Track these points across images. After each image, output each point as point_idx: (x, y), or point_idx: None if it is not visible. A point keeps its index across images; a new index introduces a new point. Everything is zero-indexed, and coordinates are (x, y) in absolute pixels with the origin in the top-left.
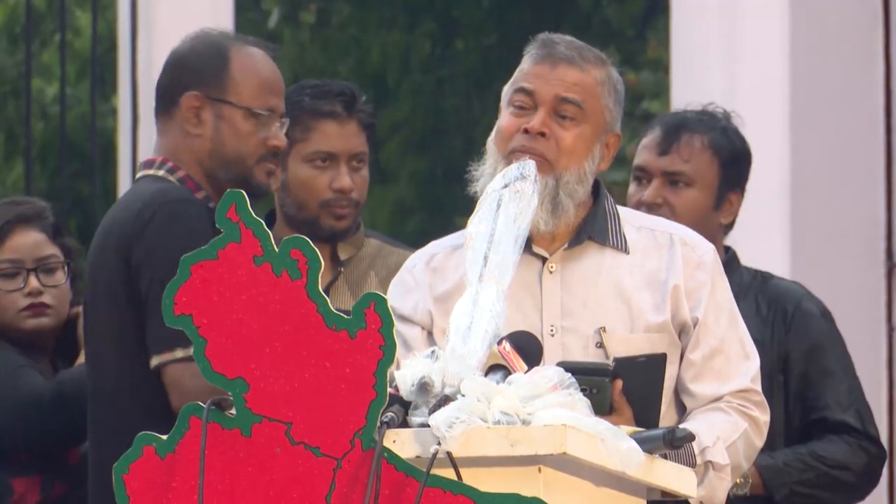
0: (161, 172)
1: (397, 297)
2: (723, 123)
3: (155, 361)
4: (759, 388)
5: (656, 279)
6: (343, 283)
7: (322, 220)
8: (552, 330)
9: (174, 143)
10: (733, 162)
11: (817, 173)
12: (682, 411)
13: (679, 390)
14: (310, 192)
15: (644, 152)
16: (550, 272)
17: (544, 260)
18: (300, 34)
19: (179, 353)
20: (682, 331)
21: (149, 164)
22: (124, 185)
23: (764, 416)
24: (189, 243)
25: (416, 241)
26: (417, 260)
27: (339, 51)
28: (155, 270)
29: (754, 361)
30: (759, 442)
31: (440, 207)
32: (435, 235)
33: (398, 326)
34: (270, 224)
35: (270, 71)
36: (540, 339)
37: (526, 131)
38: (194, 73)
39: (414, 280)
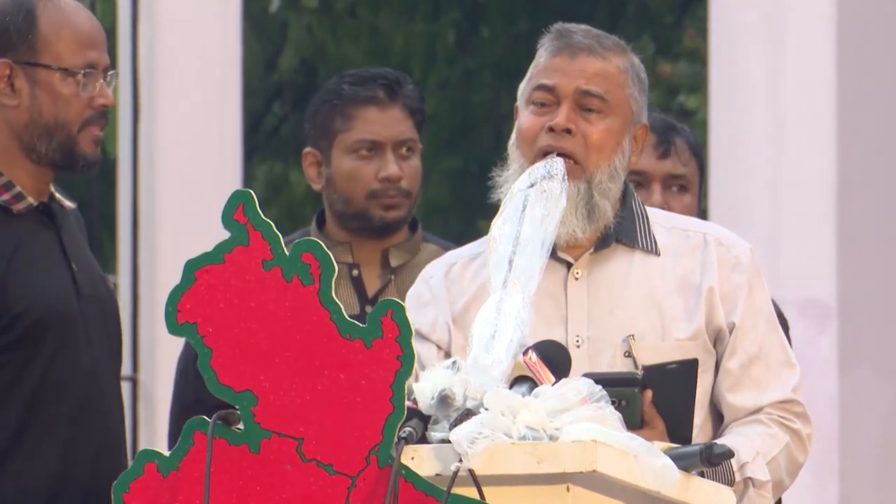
0: None
1: (413, 310)
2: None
3: None
4: (801, 398)
5: (689, 282)
6: (394, 291)
7: (372, 211)
8: (578, 340)
9: None
10: (705, 166)
11: (865, 172)
12: (718, 423)
13: (716, 401)
14: (356, 183)
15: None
16: (576, 279)
17: (569, 265)
18: (304, 18)
19: None
20: (718, 337)
21: None
22: (125, 182)
23: (807, 429)
24: None
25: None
26: (435, 271)
27: (348, 36)
28: None
29: (797, 370)
30: (802, 457)
31: (472, 207)
32: (469, 236)
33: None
34: (321, 225)
35: (86, 22)
36: None
37: (551, 129)
38: None
39: (431, 293)
